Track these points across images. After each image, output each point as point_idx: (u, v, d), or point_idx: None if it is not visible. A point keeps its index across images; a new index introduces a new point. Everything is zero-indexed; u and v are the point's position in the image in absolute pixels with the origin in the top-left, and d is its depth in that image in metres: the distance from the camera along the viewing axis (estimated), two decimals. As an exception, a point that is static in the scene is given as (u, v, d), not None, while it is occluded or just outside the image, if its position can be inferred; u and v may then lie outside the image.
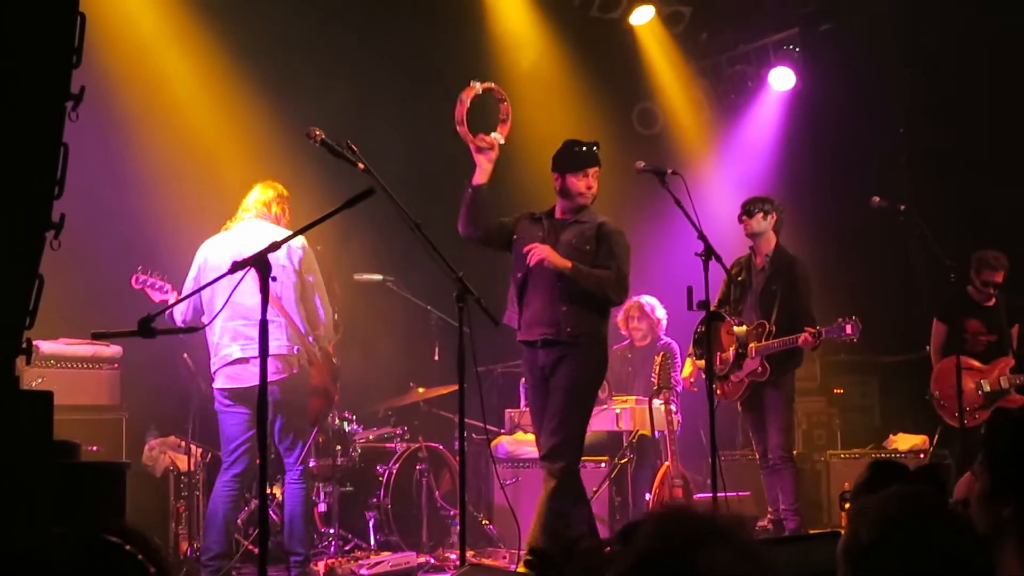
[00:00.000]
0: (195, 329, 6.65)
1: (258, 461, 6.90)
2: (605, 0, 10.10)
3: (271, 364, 6.98)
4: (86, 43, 3.70)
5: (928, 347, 9.00)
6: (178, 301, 6.82)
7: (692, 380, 8.57)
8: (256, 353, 6.85)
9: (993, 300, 8.72)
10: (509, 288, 7.01)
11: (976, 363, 8.68)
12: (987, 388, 8.63)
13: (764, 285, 8.12)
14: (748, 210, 8.15)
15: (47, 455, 3.44)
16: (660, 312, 9.49)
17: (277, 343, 6.87)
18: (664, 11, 10.45)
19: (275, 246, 4.87)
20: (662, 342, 9.43)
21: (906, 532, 2.41)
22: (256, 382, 6.79)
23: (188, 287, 7.01)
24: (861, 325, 7.79)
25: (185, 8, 8.94)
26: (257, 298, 6.67)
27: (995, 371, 8.63)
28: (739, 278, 8.21)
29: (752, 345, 8.00)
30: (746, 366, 8.02)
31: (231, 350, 6.98)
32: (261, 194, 7.25)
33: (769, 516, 8.07)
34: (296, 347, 7.04)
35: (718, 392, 7.99)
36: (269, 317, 6.77)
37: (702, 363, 7.61)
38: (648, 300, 9.43)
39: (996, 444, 2.91)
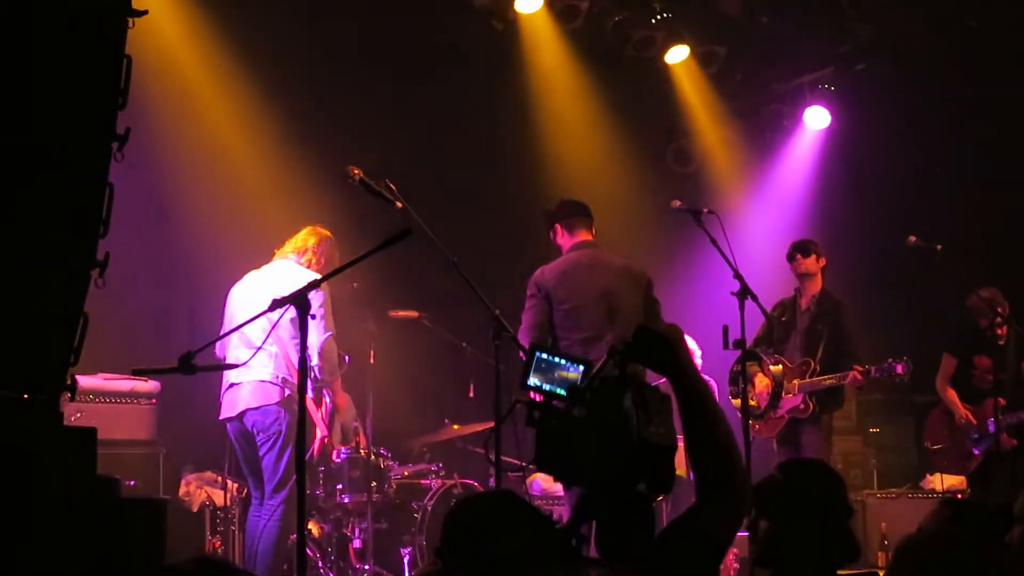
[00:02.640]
0: (236, 365, 6.70)
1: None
2: (640, 39, 10.11)
3: (256, 390, 7.04)
4: (132, 81, 3.76)
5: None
6: (219, 338, 6.86)
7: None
8: (245, 379, 7.00)
9: (1003, 337, 8.63)
10: None
11: (963, 408, 8.67)
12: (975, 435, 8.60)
13: (810, 324, 8.17)
14: (803, 250, 8.20)
15: (91, 491, 3.48)
16: (691, 345, 9.49)
17: (264, 370, 7.00)
18: (699, 51, 10.47)
19: (315, 284, 4.91)
20: None
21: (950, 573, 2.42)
22: (238, 410, 7.02)
23: (224, 325, 7.18)
24: (912, 366, 7.81)
25: (228, 49, 9.05)
26: (260, 327, 6.76)
27: (984, 414, 8.55)
28: (782, 319, 8.23)
29: (796, 381, 8.01)
30: (787, 402, 8.03)
31: (230, 375, 7.12)
32: (302, 238, 7.44)
33: None
34: (281, 376, 7.03)
35: (755, 428, 8.00)
36: (264, 346, 6.84)
37: (737, 402, 7.60)
38: None
39: None
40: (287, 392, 7.01)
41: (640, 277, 7.25)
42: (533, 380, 3.06)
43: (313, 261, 7.33)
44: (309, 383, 7.11)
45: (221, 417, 7.22)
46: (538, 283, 7.11)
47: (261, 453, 7.10)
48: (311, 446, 7.54)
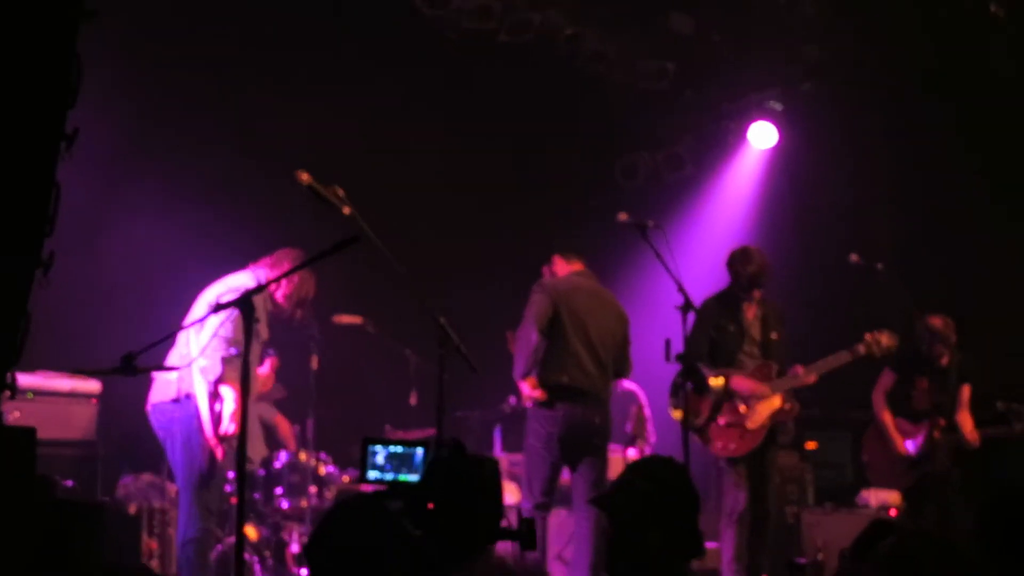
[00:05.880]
0: (176, 368, 6.64)
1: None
2: (592, 54, 10.18)
3: (158, 386, 6.88)
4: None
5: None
6: (161, 340, 6.74)
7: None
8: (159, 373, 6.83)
9: (946, 360, 8.76)
10: None
11: (906, 425, 8.80)
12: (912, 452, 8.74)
13: (763, 332, 8.14)
14: (762, 285, 8.16)
15: (29, 492, 3.46)
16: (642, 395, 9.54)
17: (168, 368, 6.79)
18: (649, 66, 10.55)
19: (260, 289, 4.94)
20: (623, 389, 9.43)
21: None
22: (147, 404, 6.90)
23: None
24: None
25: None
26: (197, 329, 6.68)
27: (921, 432, 8.70)
28: (729, 329, 8.13)
29: (768, 385, 8.00)
30: (762, 409, 8.03)
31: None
32: (274, 259, 7.21)
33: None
34: (182, 377, 6.80)
35: (731, 447, 7.99)
36: (178, 348, 6.74)
37: (678, 414, 7.64)
38: None
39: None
40: (182, 391, 6.80)
41: (624, 316, 7.97)
42: (372, 474, 3.07)
43: (263, 270, 7.11)
44: (207, 384, 6.84)
45: None
46: (547, 287, 7.78)
47: (168, 451, 6.96)
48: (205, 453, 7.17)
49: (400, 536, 2.87)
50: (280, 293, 7.12)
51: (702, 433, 8.03)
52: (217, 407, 6.82)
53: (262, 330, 7.07)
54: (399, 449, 3.10)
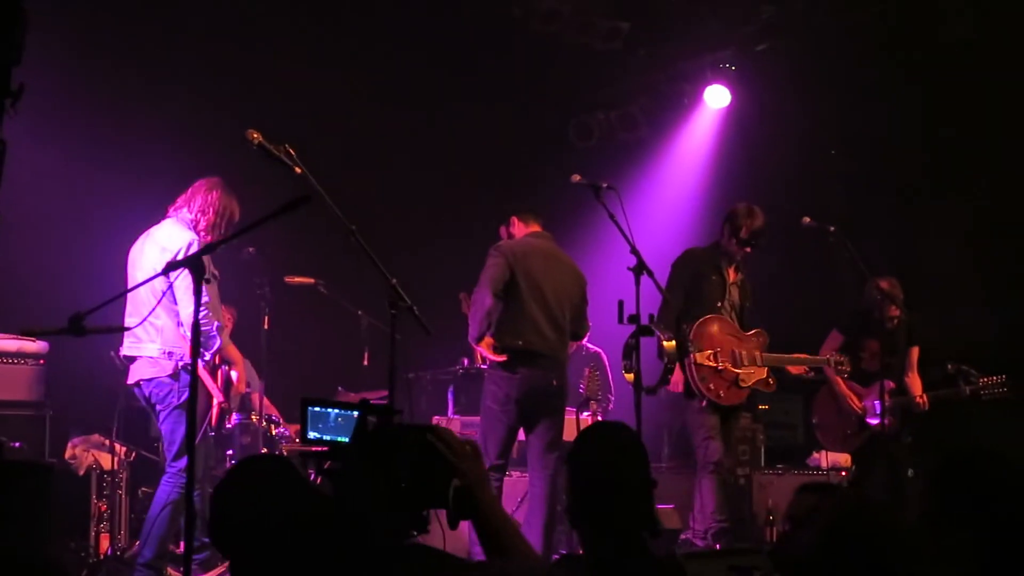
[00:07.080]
0: (126, 328, 6.57)
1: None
2: (544, 11, 10.12)
3: (149, 365, 6.86)
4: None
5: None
6: (108, 302, 6.69)
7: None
8: (136, 353, 6.85)
9: (895, 322, 8.83)
10: None
11: (856, 387, 8.90)
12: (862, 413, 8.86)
13: (740, 296, 8.20)
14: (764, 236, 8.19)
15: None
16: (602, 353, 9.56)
17: (153, 346, 6.82)
18: (603, 25, 10.49)
19: (211, 248, 4.86)
20: (588, 351, 9.45)
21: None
22: (131, 380, 6.88)
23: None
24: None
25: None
26: (145, 295, 6.64)
27: (873, 395, 8.77)
28: (712, 277, 8.15)
29: (759, 353, 8.11)
30: (753, 375, 8.10)
31: (124, 345, 6.96)
32: (189, 193, 7.13)
33: (699, 529, 7.97)
34: (167, 350, 6.80)
35: (721, 393, 7.99)
36: (149, 318, 6.68)
37: (631, 376, 7.62)
38: None
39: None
40: (177, 363, 6.80)
41: (581, 277, 7.96)
42: (313, 434, 3.06)
43: (201, 219, 7.04)
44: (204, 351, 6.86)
45: (129, 382, 7.05)
46: (504, 250, 7.70)
47: (159, 421, 6.94)
48: (209, 414, 7.28)
49: (300, 495, 2.82)
50: (202, 227, 7.01)
51: (696, 369, 7.93)
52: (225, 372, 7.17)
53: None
54: (335, 412, 3.06)
